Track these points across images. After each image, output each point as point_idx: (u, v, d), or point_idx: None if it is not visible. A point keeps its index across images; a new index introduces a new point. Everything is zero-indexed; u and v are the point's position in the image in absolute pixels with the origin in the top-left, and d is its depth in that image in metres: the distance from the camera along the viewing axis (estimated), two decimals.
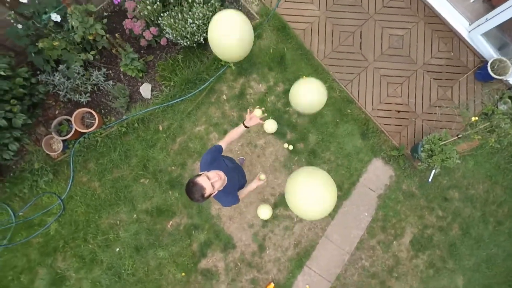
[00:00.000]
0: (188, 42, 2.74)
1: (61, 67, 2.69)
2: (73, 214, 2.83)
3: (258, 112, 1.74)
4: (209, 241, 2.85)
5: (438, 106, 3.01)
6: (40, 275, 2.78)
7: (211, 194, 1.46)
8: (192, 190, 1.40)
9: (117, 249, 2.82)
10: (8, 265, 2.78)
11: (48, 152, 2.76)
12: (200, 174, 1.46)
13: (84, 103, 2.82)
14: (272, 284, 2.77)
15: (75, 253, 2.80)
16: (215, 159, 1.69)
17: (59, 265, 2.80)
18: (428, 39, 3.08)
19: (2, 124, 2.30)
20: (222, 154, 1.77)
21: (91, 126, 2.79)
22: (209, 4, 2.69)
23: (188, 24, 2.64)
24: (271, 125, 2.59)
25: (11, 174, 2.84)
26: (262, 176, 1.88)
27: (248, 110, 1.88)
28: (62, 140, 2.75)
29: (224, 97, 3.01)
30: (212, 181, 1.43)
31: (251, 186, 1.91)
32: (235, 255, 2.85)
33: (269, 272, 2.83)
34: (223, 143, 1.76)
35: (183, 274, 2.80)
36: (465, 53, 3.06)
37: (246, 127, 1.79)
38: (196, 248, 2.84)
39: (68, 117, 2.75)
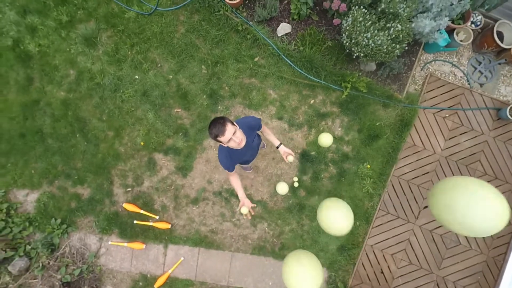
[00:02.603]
0: (347, 44, 2.68)
1: None
2: (149, 24, 2.99)
3: (291, 158, 1.89)
4: (179, 151, 2.94)
5: None
6: (88, 24, 3.00)
7: (221, 142, 1.52)
8: (216, 124, 1.47)
9: (136, 77, 2.98)
10: None
11: None
12: (234, 124, 1.53)
13: None
14: (169, 226, 2.84)
15: (118, 43, 2.99)
16: (253, 128, 1.77)
17: (103, 35, 3.01)
18: (470, 271, 2.82)
19: None
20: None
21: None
22: (396, 45, 2.59)
23: (363, 36, 2.57)
24: (282, 187, 2.10)
25: None
26: (244, 210, 1.75)
27: (288, 155, 1.87)
28: None
29: (311, 101, 2.97)
30: (233, 137, 1.49)
31: (240, 191, 1.82)
32: (178, 181, 2.93)
33: (178, 218, 2.90)
34: (263, 127, 1.86)
35: (142, 143, 2.93)
36: None
37: (277, 147, 1.93)
38: (168, 144, 2.95)
39: None
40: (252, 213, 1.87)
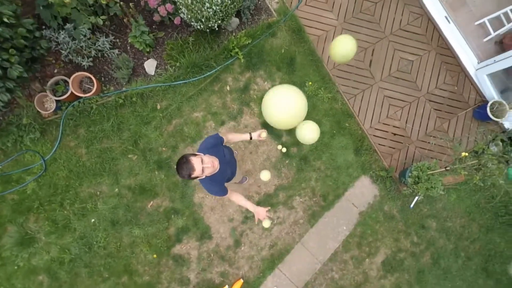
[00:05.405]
0: (201, 26, 2.69)
1: (68, 26, 2.61)
2: (54, 177, 2.77)
3: (264, 134, 1.94)
4: (187, 227, 2.83)
5: (433, 136, 3.07)
6: (9, 232, 2.72)
7: (198, 177, 1.47)
8: (182, 166, 1.42)
9: (93, 220, 2.78)
10: None
11: (39, 110, 2.68)
12: (196, 154, 1.48)
13: (85, 67, 2.75)
14: (241, 281, 2.78)
15: (49, 216, 2.75)
16: (217, 145, 1.71)
17: (30, 225, 2.74)
18: (436, 70, 3.13)
19: None
20: None
21: (89, 92, 2.73)
22: None
23: (205, 8, 2.59)
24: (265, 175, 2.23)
25: None
26: (266, 223, 1.80)
27: (260, 132, 1.93)
28: (56, 100, 2.68)
29: (228, 88, 2.99)
30: (204, 165, 1.45)
31: (247, 203, 1.80)
32: (210, 246, 2.85)
33: (241, 268, 2.84)
34: (224, 137, 1.78)
35: (155, 256, 2.78)
36: (468, 90, 3.12)
37: (250, 138, 1.88)
38: (173, 233, 2.83)
39: (66, 78, 2.68)
40: (271, 217, 1.82)
